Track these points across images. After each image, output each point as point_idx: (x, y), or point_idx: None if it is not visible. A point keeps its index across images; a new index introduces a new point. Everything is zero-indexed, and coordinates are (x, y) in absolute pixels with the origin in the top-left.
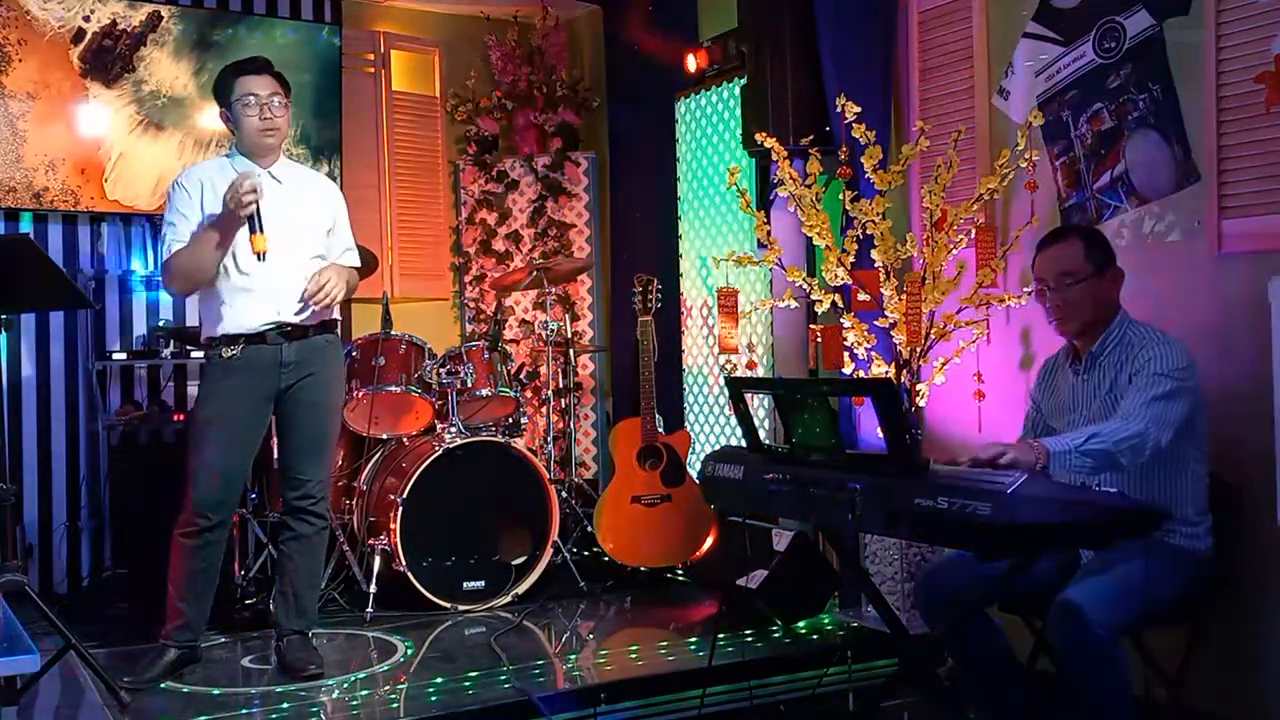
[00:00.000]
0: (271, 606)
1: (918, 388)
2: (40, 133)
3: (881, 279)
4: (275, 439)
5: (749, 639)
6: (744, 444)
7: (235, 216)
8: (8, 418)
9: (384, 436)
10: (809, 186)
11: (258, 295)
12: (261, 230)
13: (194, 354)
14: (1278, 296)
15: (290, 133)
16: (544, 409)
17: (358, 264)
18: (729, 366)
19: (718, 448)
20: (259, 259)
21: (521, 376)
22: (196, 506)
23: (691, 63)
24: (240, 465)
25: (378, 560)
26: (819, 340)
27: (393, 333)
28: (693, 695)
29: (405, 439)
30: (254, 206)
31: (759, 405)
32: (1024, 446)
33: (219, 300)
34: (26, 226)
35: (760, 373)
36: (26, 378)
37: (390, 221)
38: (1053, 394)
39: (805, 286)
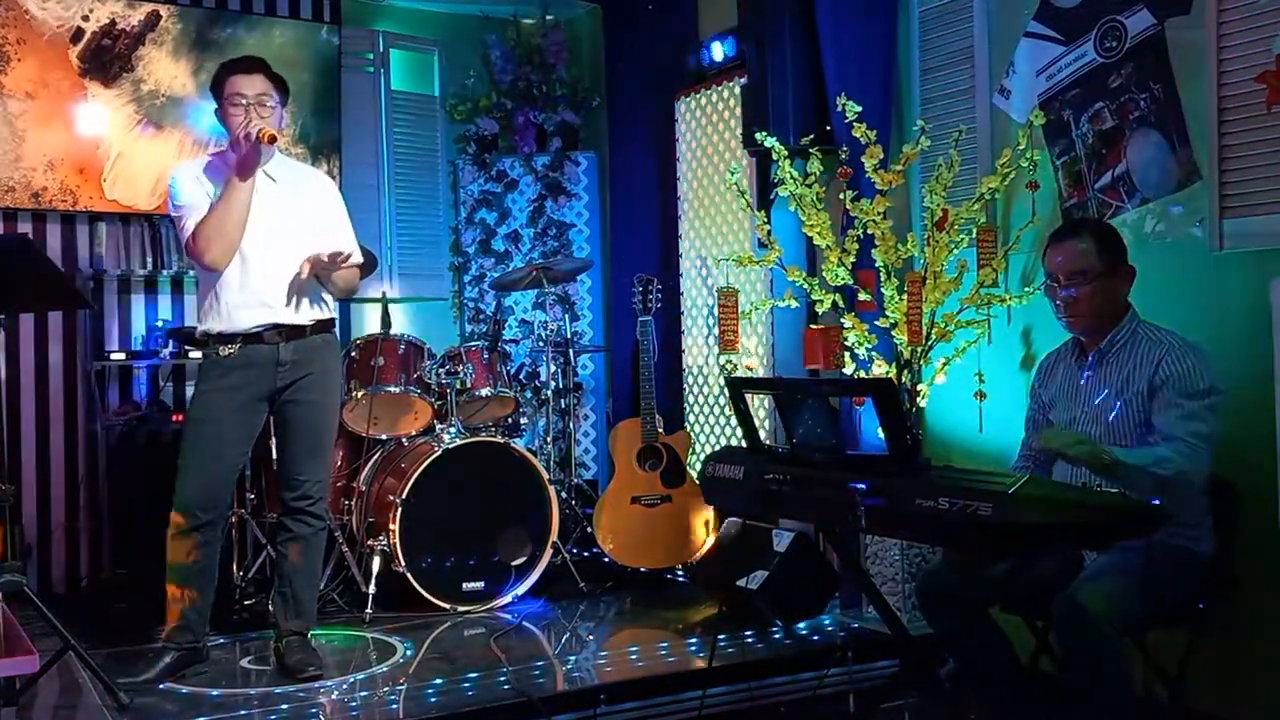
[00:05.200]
0: (270, 607)
1: (918, 388)
2: (39, 132)
3: (882, 279)
4: (273, 439)
5: (749, 640)
6: (744, 444)
7: (249, 158)
8: (6, 418)
9: (383, 437)
10: (809, 186)
11: (252, 295)
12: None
13: (192, 354)
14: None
15: (289, 131)
16: (544, 409)
17: (360, 261)
18: (729, 366)
19: (718, 448)
20: (270, 141)
21: (521, 376)
22: (183, 505)
23: (692, 62)
24: (230, 465)
25: (377, 561)
26: (820, 340)
27: (392, 333)
28: (693, 696)
29: (404, 439)
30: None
31: (759, 405)
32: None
33: (214, 297)
34: (25, 226)
35: (760, 373)
36: (25, 378)
37: (389, 221)
38: (1054, 386)
39: (805, 286)
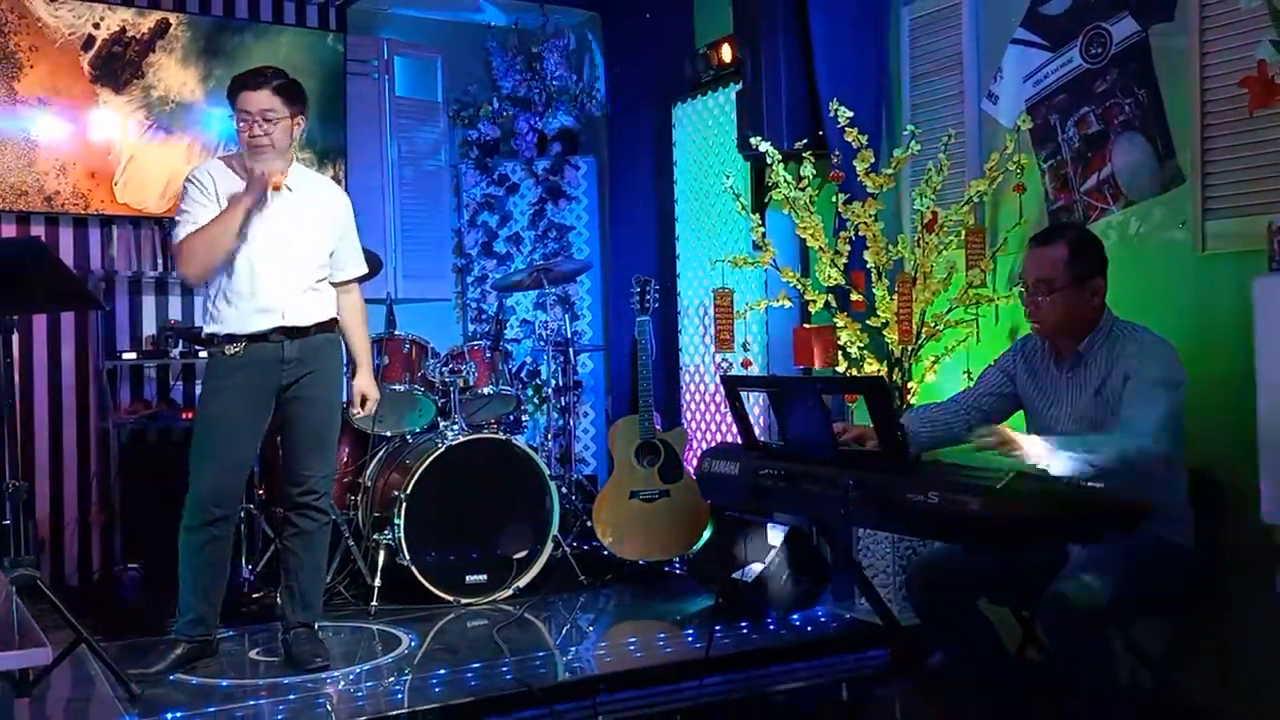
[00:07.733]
0: (278, 600)
1: (909, 385)
2: (51, 138)
3: (873, 279)
4: (279, 436)
5: (745, 630)
6: (740, 441)
7: (255, 189)
8: (20, 416)
9: (387, 434)
10: (803, 190)
11: (259, 301)
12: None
13: (201, 354)
14: (1261, 296)
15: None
16: (544, 407)
17: (365, 271)
18: (725, 365)
19: (714, 444)
20: (278, 191)
21: (522, 375)
22: (199, 501)
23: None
24: (242, 460)
25: (382, 554)
26: (811, 340)
27: (396, 332)
28: (690, 686)
29: (408, 436)
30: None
31: (754, 403)
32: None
33: (222, 301)
34: (38, 229)
35: (755, 371)
36: (39, 377)
37: (394, 223)
38: (1035, 382)
39: (799, 287)
